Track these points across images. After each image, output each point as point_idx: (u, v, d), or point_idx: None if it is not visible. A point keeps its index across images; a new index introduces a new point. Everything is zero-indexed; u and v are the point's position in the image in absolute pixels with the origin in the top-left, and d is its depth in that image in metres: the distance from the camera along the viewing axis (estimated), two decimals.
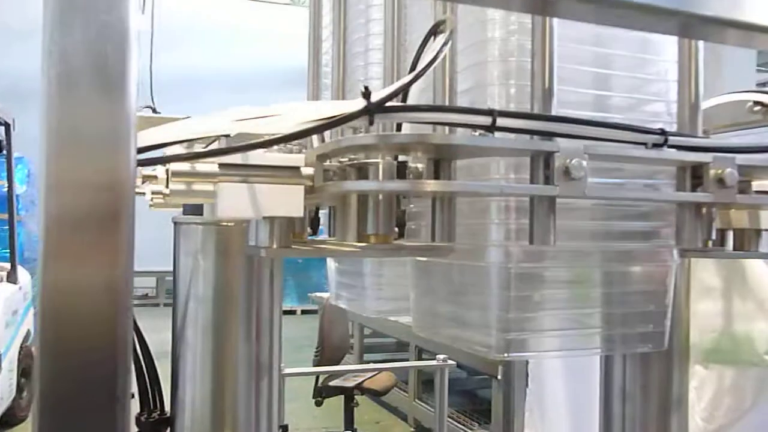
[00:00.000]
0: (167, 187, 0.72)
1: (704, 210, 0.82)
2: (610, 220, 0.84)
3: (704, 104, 0.89)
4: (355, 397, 5.31)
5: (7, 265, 5.55)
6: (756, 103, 1.09)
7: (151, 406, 0.94)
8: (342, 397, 5.18)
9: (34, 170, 7.33)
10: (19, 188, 6.29)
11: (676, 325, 1.15)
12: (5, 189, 5.47)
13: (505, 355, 0.77)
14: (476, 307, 0.80)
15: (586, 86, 0.81)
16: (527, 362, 1.89)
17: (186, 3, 11.43)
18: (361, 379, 5.20)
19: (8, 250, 5.69)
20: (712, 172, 0.76)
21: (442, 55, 0.66)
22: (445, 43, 0.66)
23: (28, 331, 5.88)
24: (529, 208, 0.71)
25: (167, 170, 0.71)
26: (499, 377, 4.34)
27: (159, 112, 2.34)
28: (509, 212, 0.76)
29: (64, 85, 0.45)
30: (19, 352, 5.33)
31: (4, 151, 5.37)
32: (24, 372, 5.48)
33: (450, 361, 1.58)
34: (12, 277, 5.49)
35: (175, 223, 0.92)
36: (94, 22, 0.46)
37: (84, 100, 0.46)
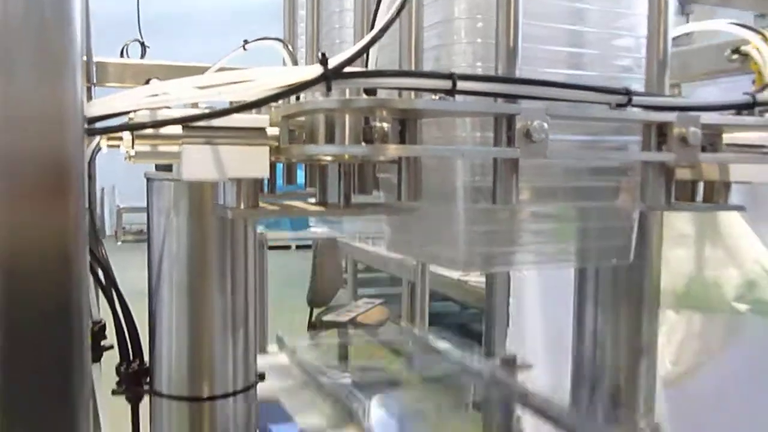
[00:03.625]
0: (132, 148, 0.73)
1: (669, 166, 0.84)
2: (579, 175, 0.86)
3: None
4: (349, 331, 5.43)
5: None
6: (734, 51, 1.08)
7: (131, 358, 0.97)
8: (336, 332, 5.30)
9: None
10: None
11: (646, 273, 1.18)
12: None
13: (473, 269, 0.80)
14: (445, 225, 0.82)
15: (555, 42, 0.80)
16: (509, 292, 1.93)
17: None
18: (354, 314, 5.31)
19: None
20: (675, 131, 0.76)
21: (398, 14, 0.65)
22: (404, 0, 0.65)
23: None
24: (493, 169, 0.72)
25: (132, 132, 0.71)
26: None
27: (148, 47, 2.29)
28: (476, 169, 0.77)
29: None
30: None
31: None
32: None
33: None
34: None
35: (148, 179, 0.93)
36: None
37: (21, 48, 0.46)
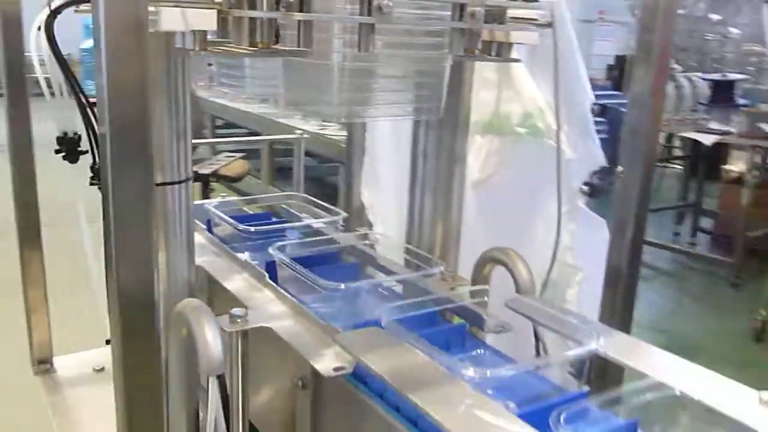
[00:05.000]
0: None
1: (471, 31, 1.38)
2: (416, 35, 1.38)
3: None
4: (211, 183, 5.83)
5: None
6: None
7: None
8: (200, 184, 5.69)
9: None
10: None
11: (461, 106, 1.75)
12: None
13: (343, 119, 1.32)
14: (325, 90, 1.33)
15: None
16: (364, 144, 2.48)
17: None
18: (216, 167, 5.70)
19: None
20: (468, 9, 1.30)
21: None
22: None
23: None
24: (358, 29, 1.22)
25: None
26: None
27: None
28: (346, 30, 1.27)
29: None
30: None
31: None
32: None
33: (305, 135, 2.12)
34: None
35: None
36: None
37: None
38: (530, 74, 1.81)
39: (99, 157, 1.41)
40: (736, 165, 6.44)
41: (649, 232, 1.87)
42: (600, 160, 1.84)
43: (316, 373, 1.40)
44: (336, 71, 1.30)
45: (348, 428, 1.36)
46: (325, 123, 5.41)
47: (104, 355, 2.10)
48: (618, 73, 5.06)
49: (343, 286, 1.39)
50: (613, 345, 1.25)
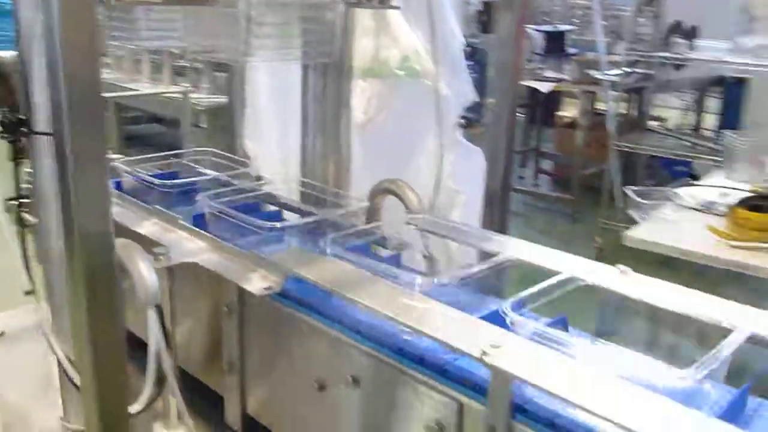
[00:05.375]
0: None
1: None
2: None
3: None
4: None
5: None
6: None
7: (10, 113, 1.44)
8: None
9: None
10: None
11: (345, 54, 1.91)
12: None
13: (247, 63, 1.45)
14: (231, 37, 1.45)
15: None
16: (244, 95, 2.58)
17: None
18: None
19: None
20: None
21: None
22: None
23: None
24: None
25: None
26: (203, 125, 5.05)
27: None
28: None
29: None
30: None
31: None
32: None
33: (191, 88, 2.20)
34: None
35: None
36: None
37: None
38: (405, 21, 1.99)
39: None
40: (568, 111, 7.08)
41: None
42: (472, 96, 2.07)
43: (241, 299, 1.54)
44: (242, 19, 1.42)
45: (274, 344, 1.51)
46: (179, 86, 5.27)
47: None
48: (486, 17, 5.49)
49: (278, 224, 1.54)
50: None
